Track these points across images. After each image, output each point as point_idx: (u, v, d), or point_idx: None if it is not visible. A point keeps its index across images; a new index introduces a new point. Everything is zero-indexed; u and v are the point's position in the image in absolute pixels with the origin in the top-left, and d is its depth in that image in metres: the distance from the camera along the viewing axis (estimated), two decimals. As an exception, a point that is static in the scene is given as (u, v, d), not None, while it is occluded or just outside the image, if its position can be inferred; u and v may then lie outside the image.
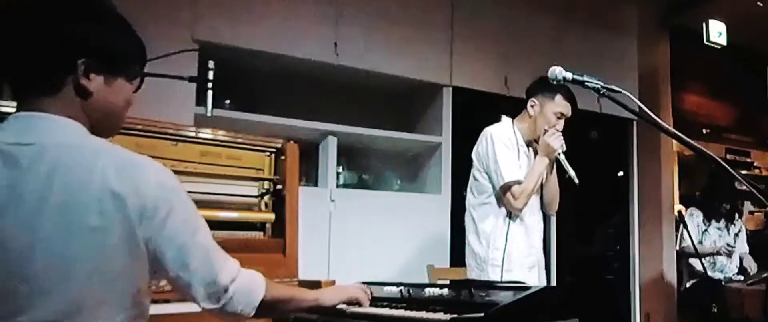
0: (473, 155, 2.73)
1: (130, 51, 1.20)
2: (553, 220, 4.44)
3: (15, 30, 1.09)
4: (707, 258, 4.33)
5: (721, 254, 4.40)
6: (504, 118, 2.80)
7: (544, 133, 2.61)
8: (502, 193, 2.59)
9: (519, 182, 2.57)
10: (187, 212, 1.15)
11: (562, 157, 2.58)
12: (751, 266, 4.58)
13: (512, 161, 2.62)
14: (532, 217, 2.69)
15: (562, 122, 2.65)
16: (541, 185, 2.73)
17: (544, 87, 2.64)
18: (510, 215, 2.63)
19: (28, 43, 1.08)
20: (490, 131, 2.68)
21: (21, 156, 1.03)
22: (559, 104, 2.64)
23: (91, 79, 1.11)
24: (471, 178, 2.74)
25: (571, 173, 2.54)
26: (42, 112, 1.08)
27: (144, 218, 1.07)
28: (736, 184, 4.67)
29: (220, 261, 1.20)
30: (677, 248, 4.57)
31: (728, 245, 4.40)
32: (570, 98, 2.64)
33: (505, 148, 2.62)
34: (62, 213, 1.01)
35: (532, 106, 2.69)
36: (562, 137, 2.60)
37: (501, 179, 2.57)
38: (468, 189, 2.76)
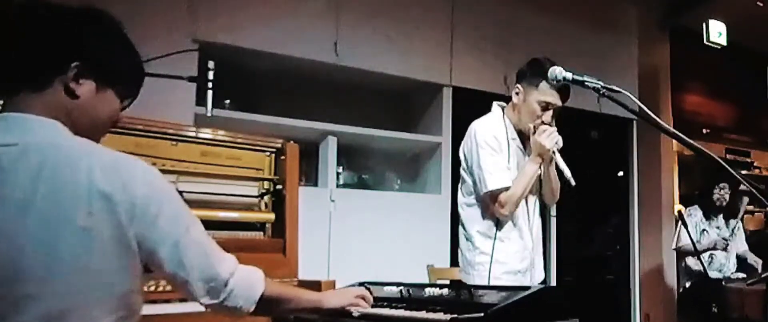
0: (460, 152, 2.49)
1: (127, 69, 1.20)
2: (553, 220, 4.44)
3: (15, 24, 1.09)
4: (705, 257, 4.32)
5: (717, 249, 4.38)
6: (494, 106, 2.51)
7: (534, 132, 2.31)
8: (490, 200, 2.33)
9: (506, 188, 2.29)
10: (177, 208, 1.14)
11: (558, 155, 2.26)
12: (756, 262, 4.56)
13: (498, 165, 2.33)
14: (526, 218, 2.43)
15: (549, 114, 2.33)
16: (540, 181, 2.46)
17: (529, 72, 2.35)
18: (498, 221, 2.37)
19: (25, 37, 1.08)
20: (475, 129, 2.41)
21: (3, 156, 1.02)
22: (544, 92, 2.30)
23: (81, 84, 1.11)
24: (461, 176, 2.51)
25: (567, 173, 2.19)
26: (26, 112, 1.07)
27: (134, 217, 1.06)
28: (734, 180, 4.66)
29: (217, 256, 1.19)
30: (674, 247, 4.55)
31: (724, 239, 4.38)
32: (558, 87, 2.26)
33: (491, 151, 2.34)
34: (48, 214, 1.00)
35: (516, 93, 2.39)
36: (555, 133, 2.29)
37: (485, 185, 2.31)
38: (459, 186, 2.54)
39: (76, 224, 1.01)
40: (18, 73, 1.09)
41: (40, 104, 1.08)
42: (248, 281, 1.25)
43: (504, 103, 2.52)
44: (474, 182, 2.40)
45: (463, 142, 2.49)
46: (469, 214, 2.45)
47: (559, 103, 2.34)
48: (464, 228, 2.47)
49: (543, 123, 2.32)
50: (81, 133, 1.13)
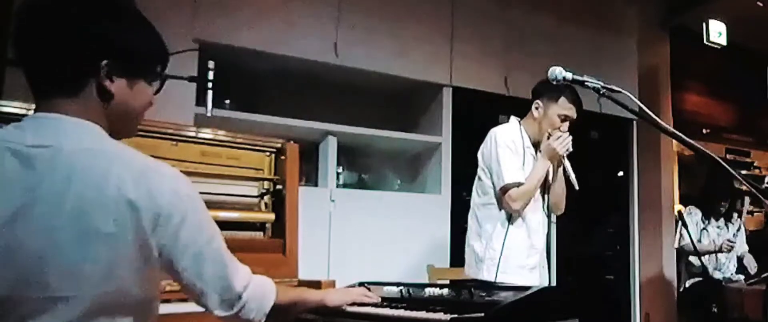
0: (479, 155, 2.72)
1: (153, 53, 1.19)
2: (554, 221, 4.43)
3: (39, 29, 1.07)
4: (706, 257, 4.32)
5: (722, 251, 4.38)
6: (512, 118, 2.77)
7: (549, 137, 2.59)
8: (502, 194, 2.57)
9: (518, 184, 2.55)
10: (200, 219, 1.14)
11: (566, 161, 2.57)
12: (751, 265, 4.57)
13: (514, 163, 2.59)
14: (535, 218, 2.67)
15: (566, 125, 2.63)
16: (547, 186, 2.72)
17: (548, 89, 2.62)
18: (510, 217, 2.61)
19: (52, 43, 1.07)
20: (496, 132, 2.67)
21: (37, 159, 1.02)
22: (563, 107, 2.61)
23: (114, 81, 1.10)
24: (476, 178, 2.73)
25: (572, 178, 2.54)
26: (61, 113, 1.07)
27: (158, 225, 1.06)
28: (735, 183, 4.67)
29: (234, 269, 1.21)
30: (676, 246, 4.56)
31: (729, 240, 4.38)
32: (575, 101, 2.62)
33: (508, 150, 2.60)
34: (77, 219, 1.00)
35: (536, 108, 2.67)
36: (568, 141, 2.58)
37: (501, 180, 2.56)
38: (473, 189, 2.75)
39: (103, 230, 1.01)
40: (51, 78, 1.08)
41: (76, 107, 1.08)
42: (261, 293, 1.26)
43: (519, 118, 2.76)
44: (492, 179, 2.63)
45: (482, 146, 2.73)
46: (484, 213, 2.67)
47: (575, 116, 2.66)
48: (479, 226, 2.67)
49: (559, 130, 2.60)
50: (118, 128, 1.14)
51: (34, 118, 1.08)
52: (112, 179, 1.03)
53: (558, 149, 2.55)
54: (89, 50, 1.08)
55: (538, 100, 2.67)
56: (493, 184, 2.62)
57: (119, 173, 1.04)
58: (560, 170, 2.67)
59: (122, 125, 1.15)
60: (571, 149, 2.57)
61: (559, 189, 2.71)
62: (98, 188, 1.02)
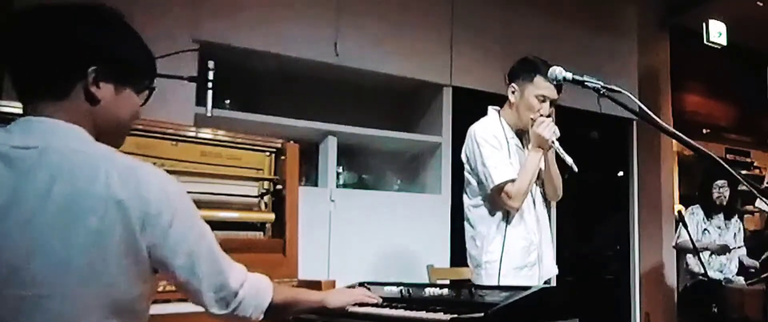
0: (462, 156, 2.56)
1: (141, 63, 1.21)
2: (553, 219, 4.44)
3: (29, 34, 1.09)
4: (706, 258, 4.32)
5: (713, 254, 4.38)
6: (490, 110, 2.58)
7: (532, 124, 2.38)
8: (497, 194, 2.38)
9: (512, 181, 2.35)
10: (190, 218, 1.15)
11: (557, 144, 2.34)
12: (754, 264, 4.56)
13: (501, 160, 2.40)
14: (531, 212, 2.48)
15: (546, 106, 2.40)
16: (539, 174, 2.51)
17: (522, 69, 2.44)
18: (506, 217, 2.42)
19: (41, 47, 1.08)
20: (474, 130, 2.49)
21: (22, 159, 1.03)
22: (540, 86, 2.38)
23: (101, 87, 1.12)
24: (465, 179, 2.57)
25: (569, 160, 2.27)
26: (48, 116, 1.08)
27: (147, 225, 1.06)
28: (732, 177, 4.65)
29: (228, 266, 1.21)
30: (674, 243, 4.56)
31: (723, 245, 4.39)
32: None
33: (492, 148, 2.41)
34: (62, 218, 1.01)
35: (512, 92, 2.47)
36: (553, 124, 2.36)
37: (491, 181, 2.36)
38: (464, 190, 2.59)
39: (89, 229, 1.02)
40: (39, 82, 1.10)
41: (62, 111, 1.09)
42: (257, 291, 1.26)
43: (498, 107, 2.59)
44: (479, 182, 2.46)
45: (464, 146, 2.55)
46: (476, 215, 2.50)
47: (555, 95, 2.42)
48: (472, 228, 2.51)
49: (541, 115, 2.40)
50: (105, 135, 1.14)
51: (22, 121, 1.09)
52: (100, 178, 1.04)
53: (545, 135, 2.33)
54: (78, 55, 1.10)
55: (513, 84, 2.46)
56: (481, 184, 2.44)
57: (107, 173, 1.05)
58: (551, 156, 2.48)
59: (109, 133, 1.16)
60: (558, 134, 2.35)
61: (554, 176, 2.53)
62: (86, 186, 1.03)
